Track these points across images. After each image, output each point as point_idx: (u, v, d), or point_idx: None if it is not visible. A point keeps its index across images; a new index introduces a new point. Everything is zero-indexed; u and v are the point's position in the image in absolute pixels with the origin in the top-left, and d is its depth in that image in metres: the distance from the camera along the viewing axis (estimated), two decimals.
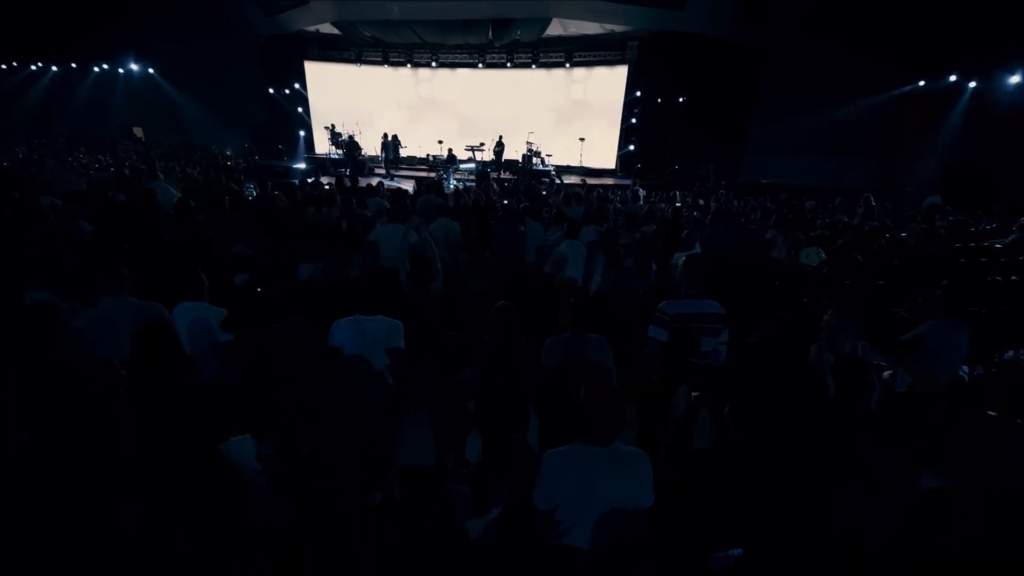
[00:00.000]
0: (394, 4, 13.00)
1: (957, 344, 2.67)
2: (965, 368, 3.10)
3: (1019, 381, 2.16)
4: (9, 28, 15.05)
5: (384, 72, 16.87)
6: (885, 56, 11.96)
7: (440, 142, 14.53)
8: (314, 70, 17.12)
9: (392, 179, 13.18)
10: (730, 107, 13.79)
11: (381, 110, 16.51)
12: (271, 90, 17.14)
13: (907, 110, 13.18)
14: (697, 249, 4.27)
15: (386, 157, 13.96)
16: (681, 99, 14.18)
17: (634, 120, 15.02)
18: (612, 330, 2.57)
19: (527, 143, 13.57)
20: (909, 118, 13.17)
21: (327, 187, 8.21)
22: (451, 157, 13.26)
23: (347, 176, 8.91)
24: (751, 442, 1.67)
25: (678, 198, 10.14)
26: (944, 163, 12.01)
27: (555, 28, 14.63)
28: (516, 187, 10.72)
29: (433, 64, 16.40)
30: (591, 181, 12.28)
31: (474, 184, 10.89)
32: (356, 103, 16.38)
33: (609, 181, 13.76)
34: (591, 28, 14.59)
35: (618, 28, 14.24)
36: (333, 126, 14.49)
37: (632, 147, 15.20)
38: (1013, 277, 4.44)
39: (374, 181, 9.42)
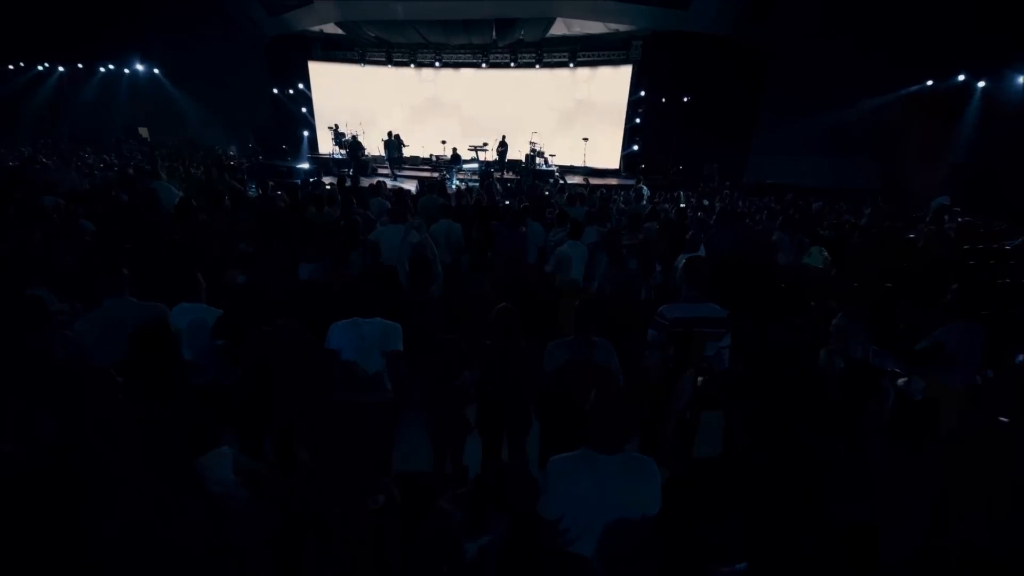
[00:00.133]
0: (398, 4, 13.00)
1: (971, 349, 2.61)
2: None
3: None
4: (16, 29, 15.17)
5: (388, 72, 16.87)
6: (892, 56, 11.82)
7: (443, 142, 14.51)
8: (318, 70, 17.16)
9: (396, 179, 13.17)
10: (735, 107, 13.69)
11: (385, 110, 16.51)
12: (275, 90, 17.19)
13: (914, 110, 13.04)
14: (701, 251, 4.21)
15: (390, 156, 13.96)
16: (686, 99, 14.10)
17: (638, 120, 14.95)
18: (613, 332, 2.52)
19: (530, 143, 13.53)
20: (916, 118, 13.03)
21: (328, 187, 8.21)
22: (455, 157, 13.23)
23: (350, 176, 8.90)
24: (761, 451, 1.62)
25: (682, 199, 10.07)
26: (952, 163, 11.87)
27: (559, 28, 14.58)
28: (519, 187, 10.69)
29: (437, 64, 16.39)
30: (594, 181, 12.23)
31: (477, 184, 10.87)
32: (360, 103, 16.40)
33: (613, 181, 13.69)
34: (595, 28, 14.53)
35: (622, 27, 14.17)
36: (336, 126, 14.50)
37: (636, 147, 15.13)
38: None
39: (376, 181, 9.41)
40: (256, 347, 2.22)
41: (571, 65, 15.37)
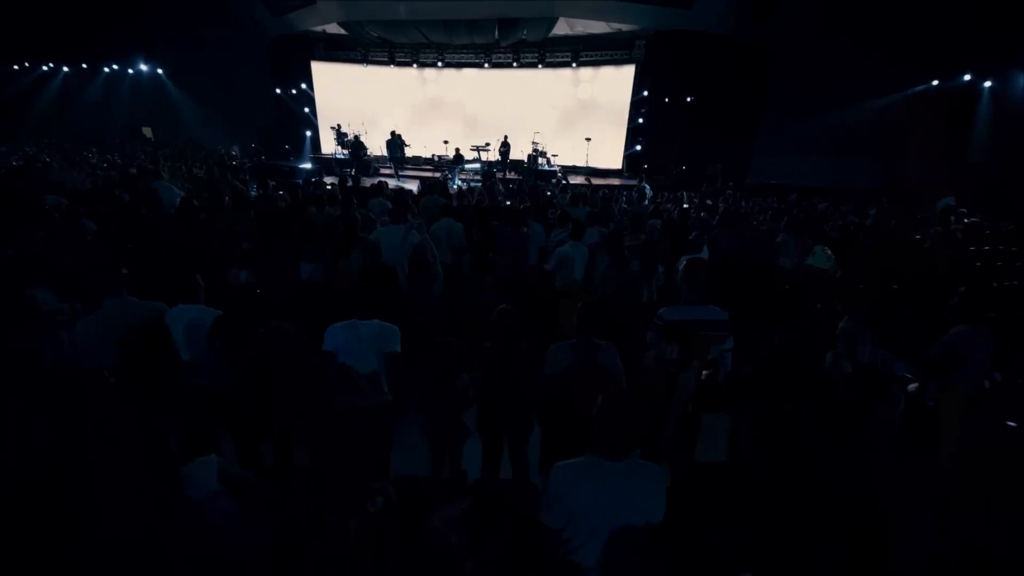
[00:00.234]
0: (400, 4, 13.00)
1: (979, 353, 2.57)
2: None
3: None
4: (22, 29, 15.25)
5: (390, 72, 16.87)
6: (897, 55, 11.74)
7: (446, 142, 14.50)
8: (321, 70, 17.17)
9: (399, 179, 13.16)
10: (738, 107, 13.62)
11: (387, 110, 16.51)
12: (278, 90, 17.22)
13: (919, 110, 12.94)
14: (704, 252, 4.17)
15: (392, 156, 13.96)
16: (689, 99, 14.04)
17: (641, 120, 14.89)
18: (613, 333, 2.49)
19: (533, 143, 13.50)
20: (921, 118, 12.93)
21: (329, 187, 8.21)
22: (458, 157, 13.22)
23: (351, 176, 8.90)
24: (769, 461, 1.59)
25: (685, 199, 10.02)
26: (957, 164, 11.77)
27: (561, 27, 14.54)
28: (521, 188, 10.66)
29: (439, 64, 16.37)
30: (597, 181, 12.18)
31: (479, 184, 10.84)
32: (362, 103, 16.40)
33: (615, 181, 13.65)
34: (598, 27, 14.49)
35: (625, 27, 14.13)
36: (339, 126, 14.51)
37: (639, 147, 15.07)
38: None
39: (378, 181, 9.40)
40: (250, 349, 2.20)
41: (574, 65, 15.32)
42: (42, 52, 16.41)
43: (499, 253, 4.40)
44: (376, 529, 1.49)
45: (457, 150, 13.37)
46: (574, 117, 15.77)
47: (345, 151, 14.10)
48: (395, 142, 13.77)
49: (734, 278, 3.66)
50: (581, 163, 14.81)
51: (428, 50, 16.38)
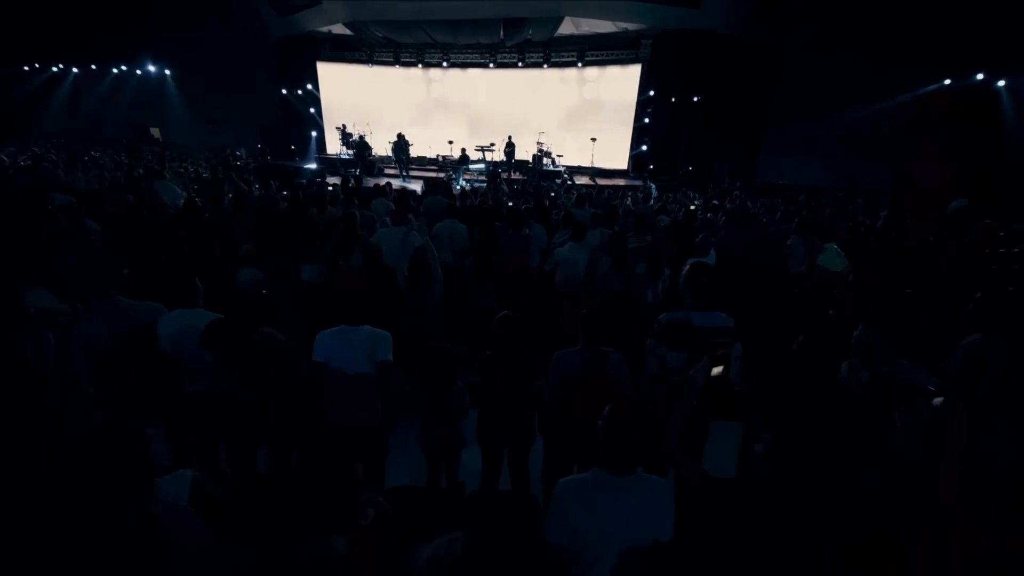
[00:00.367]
0: (406, 4, 12.98)
1: (995, 362, 2.47)
2: None
3: None
4: (31, 30, 15.41)
5: (395, 72, 16.88)
6: (905, 55, 11.56)
7: (451, 142, 14.46)
8: (326, 71, 17.21)
9: (405, 179, 13.15)
10: (745, 107, 13.47)
11: (392, 110, 16.52)
12: (284, 91, 17.27)
13: (928, 110, 12.73)
14: (711, 256, 4.08)
15: (398, 158, 13.95)
16: (695, 99, 13.91)
17: (647, 120, 14.78)
18: (615, 338, 2.41)
19: (538, 143, 13.43)
20: (930, 119, 12.72)
21: (331, 188, 8.20)
22: (463, 157, 13.18)
23: (354, 176, 8.88)
24: (785, 482, 1.51)
25: (692, 199, 9.91)
26: (968, 165, 11.56)
27: (567, 27, 14.47)
28: (525, 188, 10.59)
29: (444, 64, 16.35)
30: (602, 182, 12.09)
31: (483, 185, 10.79)
32: (367, 103, 16.42)
33: (620, 182, 13.56)
34: (604, 27, 14.40)
35: (631, 26, 14.03)
36: (344, 126, 14.53)
37: (645, 147, 14.97)
38: None
39: (383, 182, 9.39)
40: (243, 355, 2.15)
41: (579, 64, 15.24)
42: (52, 53, 16.57)
43: (500, 255, 4.34)
44: (369, 543, 1.44)
45: (463, 150, 13.33)
46: (579, 117, 15.69)
47: (350, 151, 14.12)
48: (400, 144, 13.77)
49: (741, 282, 3.58)
50: (586, 163, 14.72)
51: (433, 50, 16.37)
